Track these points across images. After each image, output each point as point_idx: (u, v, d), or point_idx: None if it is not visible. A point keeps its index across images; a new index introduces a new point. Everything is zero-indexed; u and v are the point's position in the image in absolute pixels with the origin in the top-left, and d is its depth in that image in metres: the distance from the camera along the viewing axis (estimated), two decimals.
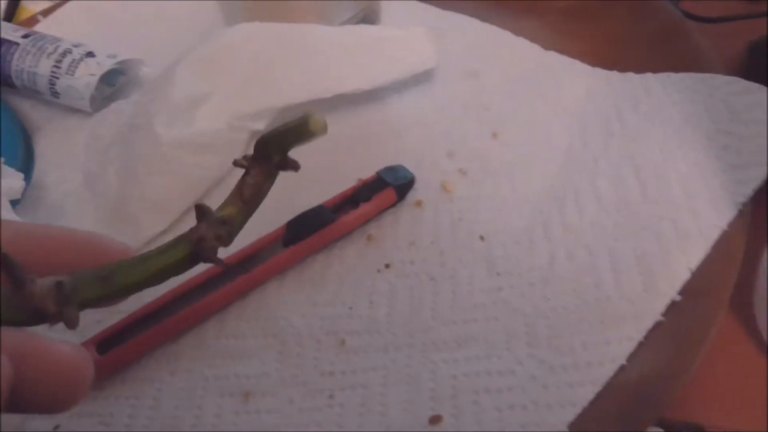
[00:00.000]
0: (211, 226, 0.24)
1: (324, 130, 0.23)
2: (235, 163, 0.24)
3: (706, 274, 0.26)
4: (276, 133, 0.24)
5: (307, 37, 0.37)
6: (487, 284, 0.29)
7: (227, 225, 0.25)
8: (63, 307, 0.15)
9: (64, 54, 0.39)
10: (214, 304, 0.29)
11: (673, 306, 0.26)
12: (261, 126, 0.36)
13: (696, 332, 0.25)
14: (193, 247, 0.22)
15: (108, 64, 0.38)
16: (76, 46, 0.39)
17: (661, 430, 0.25)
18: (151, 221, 0.33)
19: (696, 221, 0.28)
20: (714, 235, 0.27)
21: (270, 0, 0.40)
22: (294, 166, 0.25)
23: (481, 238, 0.31)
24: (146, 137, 0.33)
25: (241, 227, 0.25)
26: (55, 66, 0.39)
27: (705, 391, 0.26)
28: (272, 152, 0.24)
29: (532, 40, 0.40)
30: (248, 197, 0.25)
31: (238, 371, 0.28)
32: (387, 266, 0.31)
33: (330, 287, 0.30)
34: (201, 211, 0.24)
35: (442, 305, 0.29)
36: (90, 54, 0.39)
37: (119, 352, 0.28)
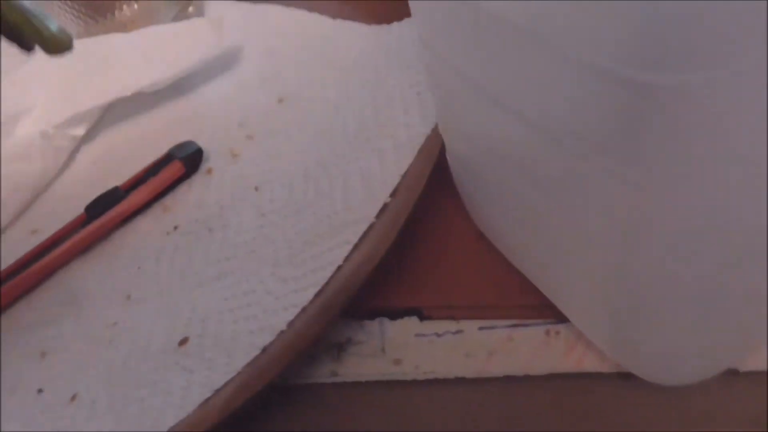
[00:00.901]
0: None
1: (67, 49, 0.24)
2: None
3: (411, 174, 0.29)
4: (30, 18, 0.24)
5: (108, 46, 0.41)
6: (252, 225, 0.32)
7: None
8: None
9: None
10: (21, 286, 0.33)
11: (384, 207, 0.29)
12: (81, 131, 0.41)
13: (394, 223, 0.28)
14: None
15: None
16: None
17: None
18: None
19: (408, 132, 0.31)
20: (421, 140, 0.30)
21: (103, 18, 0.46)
22: None
23: (256, 188, 0.34)
24: None
25: None
26: None
27: (425, 278, 0.29)
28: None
29: (329, 14, 0.44)
30: None
31: (39, 336, 0.31)
32: (175, 228, 0.34)
33: (125, 254, 0.34)
34: None
35: (212, 250, 0.32)
36: None
37: None
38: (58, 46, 0.24)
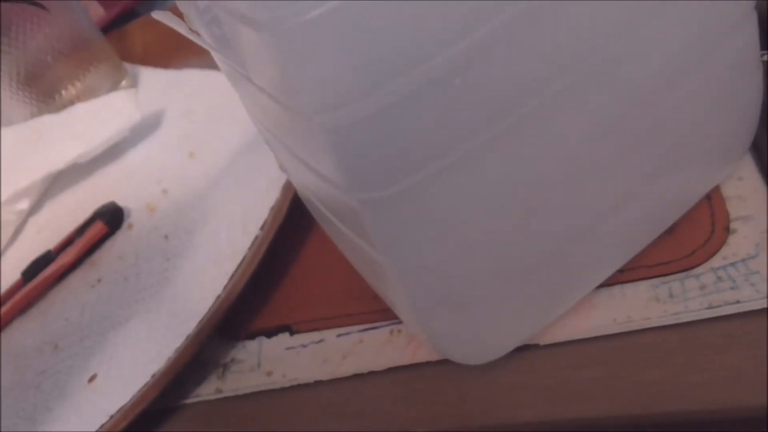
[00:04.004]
0: None
1: None
2: None
3: (276, 208, 0.33)
4: None
5: (41, 127, 0.46)
6: (158, 269, 0.36)
7: None
8: None
9: None
10: None
11: (255, 239, 0.33)
12: (26, 205, 0.46)
13: (256, 253, 0.31)
14: None
15: None
16: None
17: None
18: None
19: (278, 171, 0.35)
20: (285, 177, 0.34)
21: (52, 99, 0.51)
22: None
23: (165, 237, 0.39)
24: None
25: None
26: None
27: (295, 297, 0.32)
28: None
29: None
30: None
31: None
32: (99, 280, 0.39)
33: (56, 309, 0.38)
34: None
35: (125, 296, 0.36)
36: None
37: None
38: None
